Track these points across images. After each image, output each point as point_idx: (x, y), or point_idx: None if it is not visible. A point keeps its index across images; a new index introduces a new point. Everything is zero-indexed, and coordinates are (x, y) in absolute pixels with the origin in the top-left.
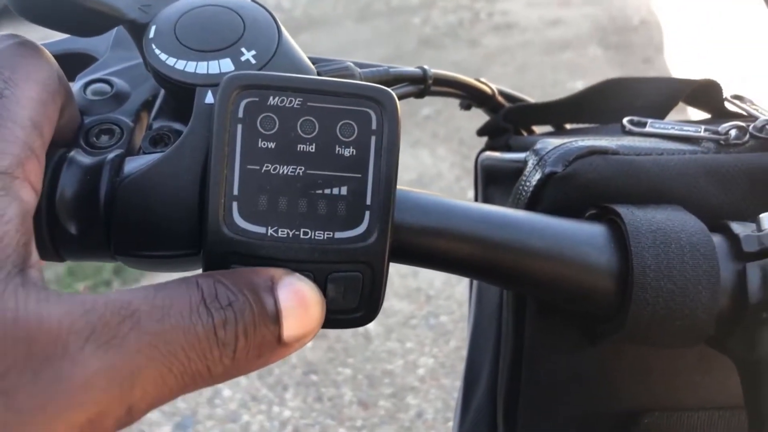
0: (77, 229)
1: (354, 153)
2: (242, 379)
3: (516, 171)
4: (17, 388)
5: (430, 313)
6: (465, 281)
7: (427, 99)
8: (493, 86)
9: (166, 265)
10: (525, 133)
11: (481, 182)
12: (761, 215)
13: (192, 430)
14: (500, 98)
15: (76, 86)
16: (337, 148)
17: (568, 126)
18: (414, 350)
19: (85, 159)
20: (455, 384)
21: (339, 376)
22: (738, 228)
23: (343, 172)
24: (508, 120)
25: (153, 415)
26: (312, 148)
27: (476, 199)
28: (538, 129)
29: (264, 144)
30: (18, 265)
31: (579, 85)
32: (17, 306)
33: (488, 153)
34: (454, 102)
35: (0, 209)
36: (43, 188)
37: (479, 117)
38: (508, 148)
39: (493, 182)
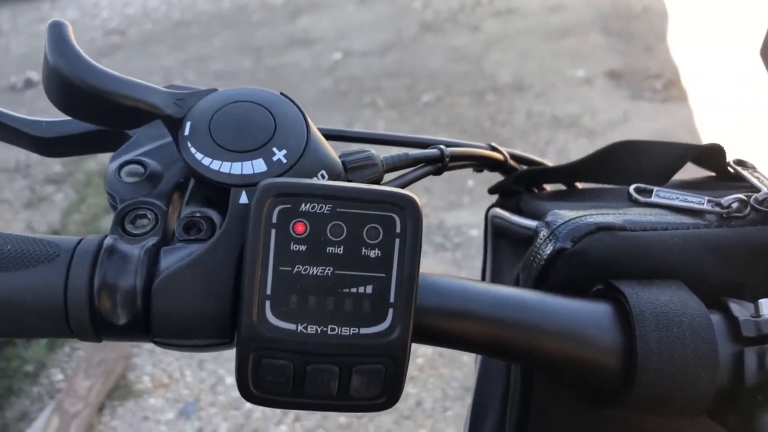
0: (116, 316)
1: (379, 254)
2: None
3: (524, 237)
4: None
5: None
6: (463, 273)
7: (427, 84)
8: (505, 151)
9: (202, 350)
10: (536, 190)
11: (491, 235)
12: (761, 300)
13: (195, 417)
14: (512, 162)
15: (111, 166)
16: (364, 250)
17: (579, 185)
18: None
19: (123, 247)
20: (453, 374)
21: None
22: (737, 310)
23: (368, 272)
24: (519, 183)
25: (157, 402)
26: (340, 251)
27: (485, 249)
28: (549, 185)
29: (296, 247)
30: None
31: (579, 73)
32: None
33: (499, 211)
34: (455, 89)
35: None
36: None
37: (480, 105)
38: (519, 211)
39: (503, 237)
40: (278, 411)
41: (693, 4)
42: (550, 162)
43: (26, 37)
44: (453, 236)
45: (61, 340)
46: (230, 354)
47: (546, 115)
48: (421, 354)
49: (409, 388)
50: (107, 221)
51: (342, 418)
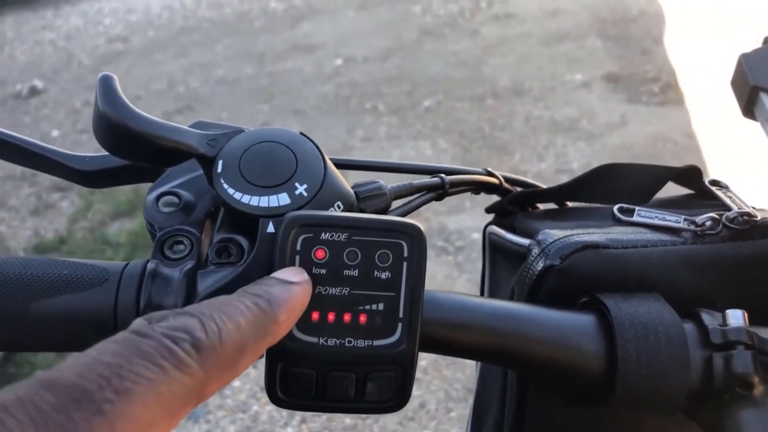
0: None
1: (389, 276)
2: (251, 371)
3: (518, 254)
4: None
5: None
6: (465, 276)
7: (427, 89)
8: (500, 175)
9: None
10: (529, 209)
11: (488, 250)
12: (728, 311)
13: (203, 420)
14: (506, 185)
15: (149, 198)
16: (376, 273)
17: (569, 204)
18: None
19: (164, 270)
20: (456, 375)
21: None
22: (707, 319)
23: (380, 291)
24: (513, 204)
25: None
26: (355, 273)
27: (483, 263)
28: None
29: (317, 270)
30: None
31: (578, 77)
32: None
33: (495, 228)
34: (455, 94)
35: None
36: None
37: (480, 110)
38: (513, 229)
39: (499, 253)
40: (284, 413)
41: (689, 8)
42: (542, 184)
43: (30, 44)
44: (455, 240)
45: None
46: None
47: (545, 119)
48: (424, 356)
49: (413, 390)
50: (113, 228)
51: (347, 419)
